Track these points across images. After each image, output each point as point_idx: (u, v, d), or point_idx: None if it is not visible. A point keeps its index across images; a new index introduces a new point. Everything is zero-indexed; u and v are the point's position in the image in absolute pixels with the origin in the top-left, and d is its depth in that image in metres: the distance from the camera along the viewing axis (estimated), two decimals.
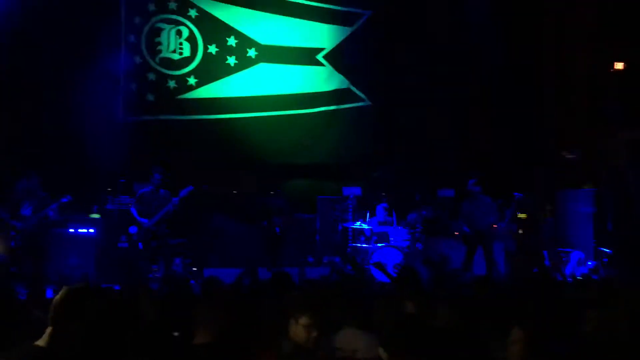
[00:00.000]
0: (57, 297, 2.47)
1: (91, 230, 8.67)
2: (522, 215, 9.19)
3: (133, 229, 8.20)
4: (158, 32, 10.18)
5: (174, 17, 10.22)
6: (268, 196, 9.22)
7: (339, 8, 10.78)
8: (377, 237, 9.00)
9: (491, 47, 10.46)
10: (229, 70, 10.43)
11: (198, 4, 10.29)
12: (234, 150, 10.29)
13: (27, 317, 3.31)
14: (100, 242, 8.67)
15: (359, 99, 10.87)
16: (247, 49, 10.48)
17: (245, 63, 10.48)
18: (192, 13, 10.27)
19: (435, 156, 10.65)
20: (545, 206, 9.98)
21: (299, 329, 2.96)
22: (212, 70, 10.37)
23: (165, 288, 5.35)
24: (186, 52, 10.28)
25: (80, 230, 8.65)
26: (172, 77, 10.23)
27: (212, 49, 10.37)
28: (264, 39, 10.57)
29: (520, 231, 9.13)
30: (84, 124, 9.21)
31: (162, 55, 10.20)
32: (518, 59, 10.47)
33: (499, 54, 10.44)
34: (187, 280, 5.82)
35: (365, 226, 8.95)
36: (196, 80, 10.31)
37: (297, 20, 10.66)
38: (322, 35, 10.80)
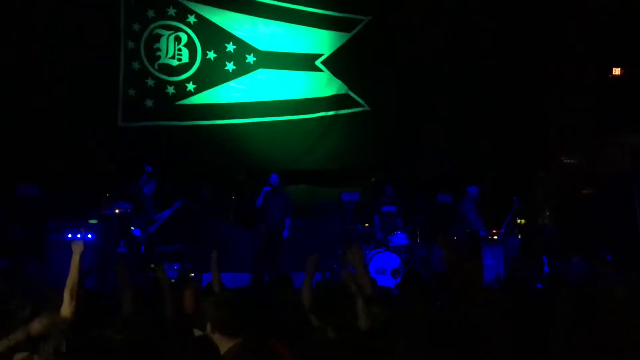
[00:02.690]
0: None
1: (89, 236, 8.66)
2: (521, 220, 9.19)
3: (137, 232, 8.28)
4: (157, 38, 10.21)
5: (173, 23, 10.25)
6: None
7: (338, 14, 10.78)
8: (375, 242, 8.98)
9: (491, 52, 10.47)
10: (228, 76, 10.44)
11: (197, 10, 10.31)
12: (232, 156, 10.30)
13: None
14: (99, 247, 8.65)
15: (358, 104, 10.87)
16: (246, 55, 10.49)
17: (244, 69, 10.49)
18: (191, 19, 10.30)
19: (433, 161, 10.61)
20: (545, 211, 9.98)
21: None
22: (210, 76, 10.38)
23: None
24: (185, 58, 10.30)
25: (78, 235, 8.64)
26: (171, 83, 10.25)
27: (211, 54, 10.39)
28: (262, 45, 10.58)
29: (519, 236, 9.12)
30: (83, 129, 9.25)
31: (161, 61, 10.23)
32: (519, 62, 10.45)
33: (499, 58, 10.43)
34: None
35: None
36: (195, 86, 10.33)
37: (296, 26, 10.67)
38: (321, 41, 10.81)
